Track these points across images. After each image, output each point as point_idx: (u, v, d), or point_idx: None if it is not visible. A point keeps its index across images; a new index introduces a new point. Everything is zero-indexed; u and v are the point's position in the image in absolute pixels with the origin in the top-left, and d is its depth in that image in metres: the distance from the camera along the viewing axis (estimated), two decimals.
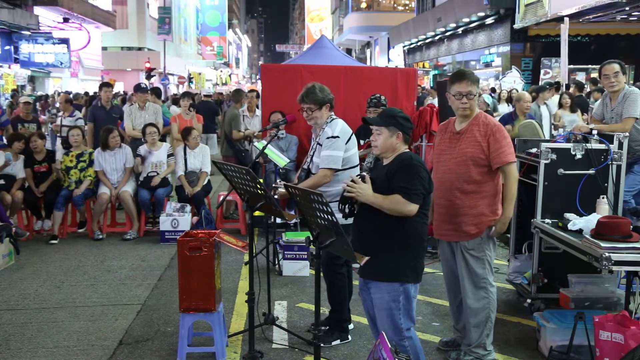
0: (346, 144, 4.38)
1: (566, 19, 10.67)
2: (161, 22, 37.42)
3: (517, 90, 12.07)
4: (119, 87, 30.06)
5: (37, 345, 4.47)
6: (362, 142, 6.44)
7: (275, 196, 4.46)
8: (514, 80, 14.54)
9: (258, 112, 9.12)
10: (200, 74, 49.62)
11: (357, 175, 3.45)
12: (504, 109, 11.38)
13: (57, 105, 13.08)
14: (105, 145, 7.83)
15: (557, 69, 17.33)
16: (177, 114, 9.96)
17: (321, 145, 4.39)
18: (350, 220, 4.37)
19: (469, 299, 4.06)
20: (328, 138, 4.34)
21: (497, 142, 3.91)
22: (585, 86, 13.96)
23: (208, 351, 4.29)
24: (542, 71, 17.47)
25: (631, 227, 3.93)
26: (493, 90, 15.00)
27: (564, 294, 4.47)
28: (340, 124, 4.43)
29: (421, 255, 3.52)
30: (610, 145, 4.62)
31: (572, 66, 16.43)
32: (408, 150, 3.53)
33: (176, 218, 7.44)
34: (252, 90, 10.32)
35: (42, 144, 7.93)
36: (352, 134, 4.48)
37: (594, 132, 4.75)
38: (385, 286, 3.42)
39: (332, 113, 4.50)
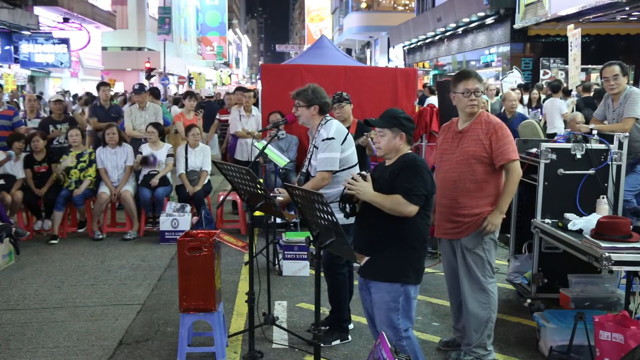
0: (342, 144, 4.39)
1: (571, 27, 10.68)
2: (161, 22, 37.39)
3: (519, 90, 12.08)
4: (119, 87, 30.06)
5: (37, 345, 4.47)
6: None
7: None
8: (515, 81, 14.51)
9: (254, 111, 9.13)
10: (200, 74, 49.53)
11: (358, 174, 3.44)
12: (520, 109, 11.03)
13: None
14: (104, 141, 7.86)
15: (556, 69, 17.34)
16: (180, 113, 9.95)
17: (317, 148, 4.39)
18: (350, 220, 4.39)
19: (469, 301, 4.06)
20: (323, 140, 4.34)
21: (500, 140, 3.92)
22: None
23: (208, 351, 4.29)
24: (541, 71, 17.45)
25: (631, 227, 3.93)
26: (497, 92, 14.97)
27: (564, 294, 4.47)
28: (335, 125, 4.43)
29: (422, 257, 3.52)
30: (610, 145, 4.62)
31: None
32: (411, 151, 3.53)
33: (176, 218, 7.44)
34: (248, 90, 10.32)
35: (43, 144, 7.93)
36: (347, 134, 4.47)
37: (594, 132, 4.75)
38: (386, 286, 3.41)
39: (327, 115, 4.50)
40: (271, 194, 4.55)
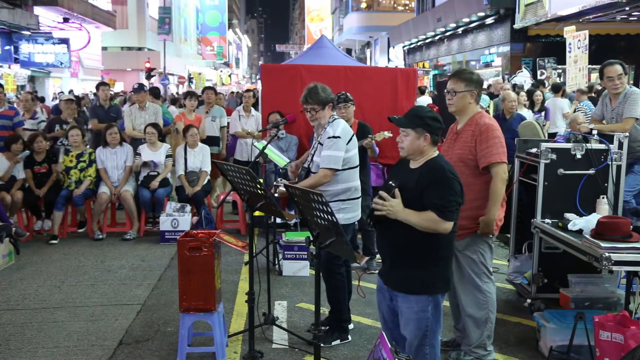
0: (347, 144, 4.39)
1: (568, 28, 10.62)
2: (161, 22, 37.41)
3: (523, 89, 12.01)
4: (119, 87, 30.06)
5: (37, 345, 4.47)
6: None
7: (276, 194, 4.46)
8: (525, 80, 14.47)
9: (254, 112, 9.13)
10: (200, 74, 49.60)
11: (386, 185, 3.20)
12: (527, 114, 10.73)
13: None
14: (105, 141, 7.86)
15: (550, 69, 17.33)
16: (180, 113, 9.94)
17: (322, 144, 4.40)
18: (350, 220, 4.41)
19: (465, 302, 4.06)
20: (329, 138, 4.35)
21: (484, 142, 3.88)
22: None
23: (208, 351, 4.30)
24: (538, 72, 17.44)
25: (631, 227, 3.93)
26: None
27: (564, 294, 4.47)
28: (342, 124, 4.44)
29: (450, 264, 3.34)
30: (610, 145, 4.62)
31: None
32: (438, 153, 3.29)
33: (176, 218, 7.44)
34: (248, 90, 10.37)
35: (45, 145, 7.92)
36: (353, 135, 4.49)
37: (594, 132, 4.75)
38: (414, 298, 3.22)
39: (334, 113, 4.51)
40: (274, 184, 4.58)
